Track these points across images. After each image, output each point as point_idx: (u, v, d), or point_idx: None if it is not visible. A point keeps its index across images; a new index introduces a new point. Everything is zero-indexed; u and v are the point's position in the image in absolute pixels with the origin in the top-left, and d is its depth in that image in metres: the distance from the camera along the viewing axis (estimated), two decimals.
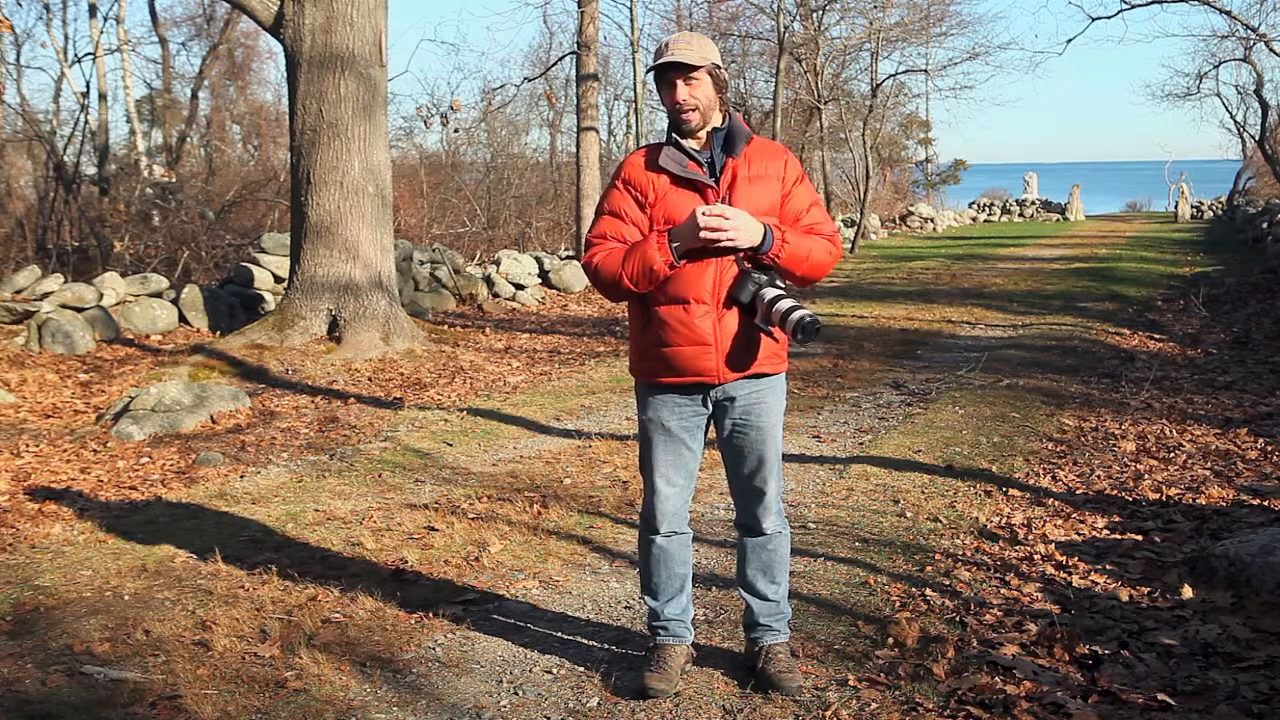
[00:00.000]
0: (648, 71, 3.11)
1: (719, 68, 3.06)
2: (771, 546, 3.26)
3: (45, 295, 9.65)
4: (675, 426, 3.15)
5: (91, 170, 18.46)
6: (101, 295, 9.89)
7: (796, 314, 2.88)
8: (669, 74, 3.02)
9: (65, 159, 17.12)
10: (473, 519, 4.89)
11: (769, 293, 2.95)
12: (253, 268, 11.42)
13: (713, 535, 4.64)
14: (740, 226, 2.94)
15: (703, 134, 3.09)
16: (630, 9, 19.87)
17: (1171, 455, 5.98)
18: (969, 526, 4.78)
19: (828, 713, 3.06)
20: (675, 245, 2.97)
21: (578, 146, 15.93)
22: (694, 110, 3.03)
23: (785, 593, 3.32)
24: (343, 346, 8.92)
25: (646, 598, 3.32)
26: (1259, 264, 16.46)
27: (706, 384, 3.09)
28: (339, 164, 9.07)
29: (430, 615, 3.77)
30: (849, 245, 22.13)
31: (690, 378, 3.08)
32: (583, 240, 15.40)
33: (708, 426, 3.21)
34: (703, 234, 2.92)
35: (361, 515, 4.98)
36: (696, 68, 3.01)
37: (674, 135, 3.09)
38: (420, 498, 5.29)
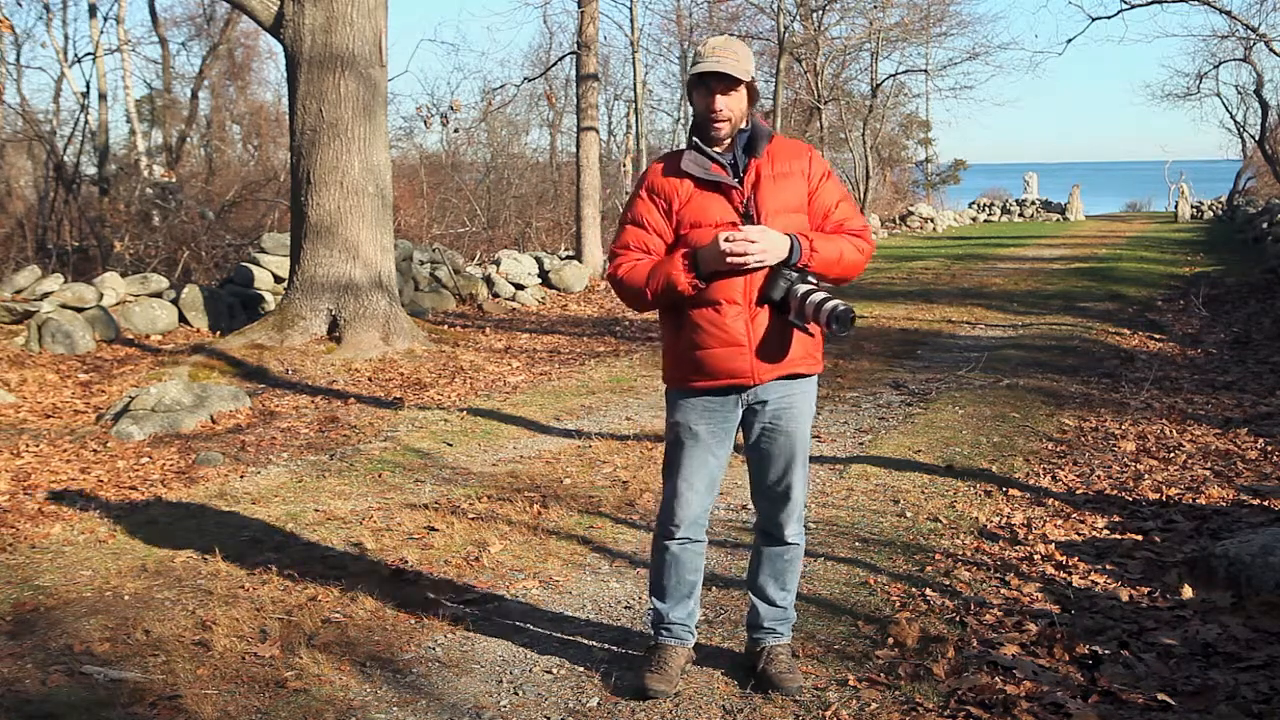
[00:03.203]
0: (690, 72, 3.08)
1: (755, 79, 3.06)
2: (789, 557, 3.25)
3: (45, 295, 9.65)
4: (704, 432, 3.12)
5: (91, 170, 18.45)
6: (101, 295, 9.89)
7: (830, 304, 2.87)
8: (709, 81, 3.00)
9: (65, 159, 17.11)
10: (473, 519, 4.89)
11: (801, 288, 2.94)
12: (253, 268, 11.42)
13: (713, 535, 4.62)
14: (766, 246, 2.92)
15: (727, 140, 3.08)
16: (630, 9, 19.87)
17: (1171, 455, 5.98)
18: (969, 526, 4.78)
19: (828, 713, 3.06)
20: (699, 268, 2.95)
21: (578, 146, 15.93)
22: (726, 121, 3.02)
23: (793, 599, 3.32)
24: (343, 346, 8.92)
25: (653, 599, 3.30)
26: (1259, 264, 16.46)
27: (740, 386, 3.07)
28: (339, 164, 9.06)
29: (430, 615, 3.77)
30: None
31: (724, 380, 3.05)
32: (583, 240, 15.45)
33: (736, 433, 3.19)
34: (729, 260, 2.91)
35: (361, 515, 4.98)
36: (740, 82, 3.00)
37: (695, 139, 3.08)
38: (420, 498, 5.29)
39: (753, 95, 3.06)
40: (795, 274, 2.97)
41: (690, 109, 3.19)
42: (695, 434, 3.12)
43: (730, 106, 3.01)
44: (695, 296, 3.01)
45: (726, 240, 2.91)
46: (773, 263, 2.96)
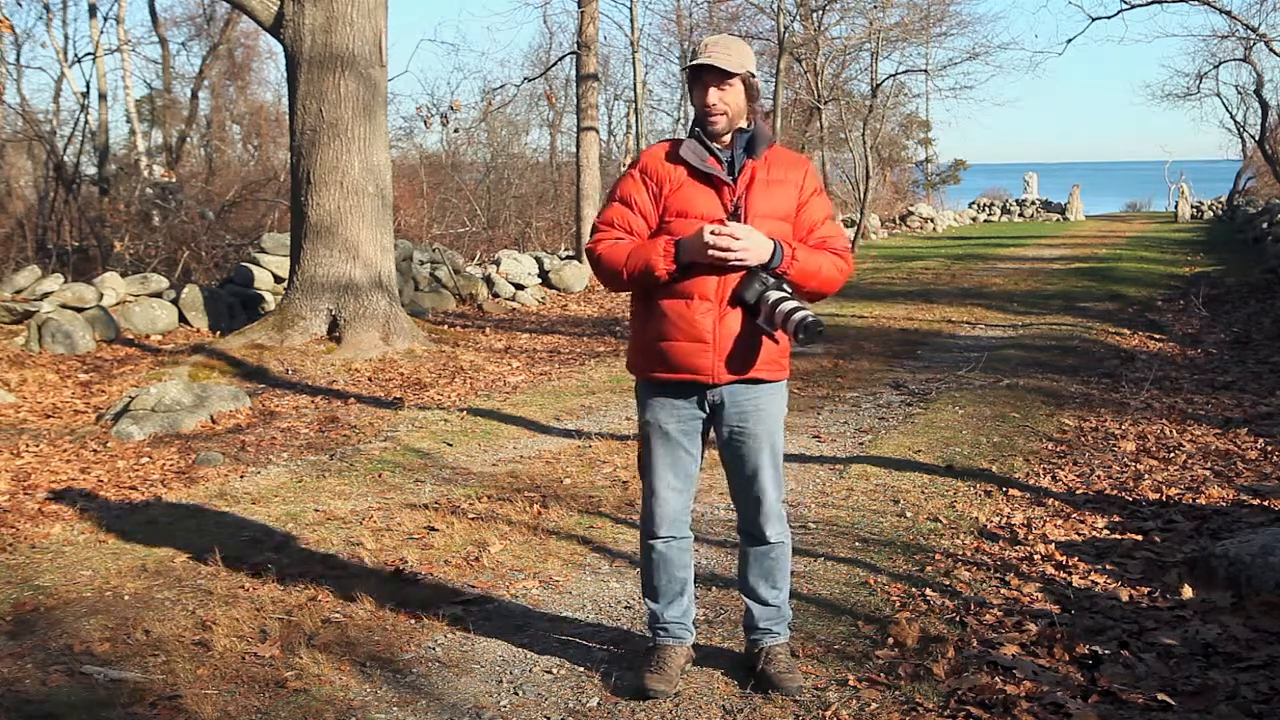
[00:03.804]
0: (684, 69, 3.12)
1: (754, 75, 3.07)
2: (774, 555, 3.25)
3: (45, 295, 9.65)
4: (673, 429, 3.14)
5: (91, 170, 18.44)
6: (101, 295, 9.89)
7: (799, 314, 2.88)
8: (703, 76, 3.02)
9: (65, 159, 17.10)
10: (473, 519, 4.89)
11: (773, 294, 2.95)
12: (253, 268, 11.42)
13: (713, 535, 4.64)
14: (750, 246, 2.94)
15: (726, 136, 3.09)
16: (630, 9, 19.87)
17: (1171, 455, 5.98)
18: (969, 526, 4.78)
19: (828, 713, 3.06)
20: (680, 257, 2.97)
21: (578, 146, 15.93)
22: (723, 115, 3.04)
23: (786, 597, 3.31)
24: (343, 346, 8.92)
25: (647, 600, 3.31)
26: (1259, 264, 16.46)
27: (701, 384, 3.08)
28: (339, 164, 9.06)
29: (430, 615, 3.77)
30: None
31: (685, 375, 3.07)
32: (583, 240, 15.44)
33: (707, 429, 3.20)
34: (711, 254, 2.93)
35: (361, 515, 4.98)
36: (732, 75, 3.01)
37: (698, 130, 3.10)
38: (420, 498, 5.29)
39: (751, 91, 3.07)
40: (772, 279, 2.98)
41: (689, 110, 3.20)
42: (665, 431, 3.14)
43: (725, 100, 3.03)
44: (668, 288, 3.03)
45: (712, 234, 2.92)
46: (753, 264, 2.97)
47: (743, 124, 3.09)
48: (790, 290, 3.01)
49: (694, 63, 3.03)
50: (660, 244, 3.01)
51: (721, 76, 3.01)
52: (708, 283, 3.00)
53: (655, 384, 3.14)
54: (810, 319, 2.86)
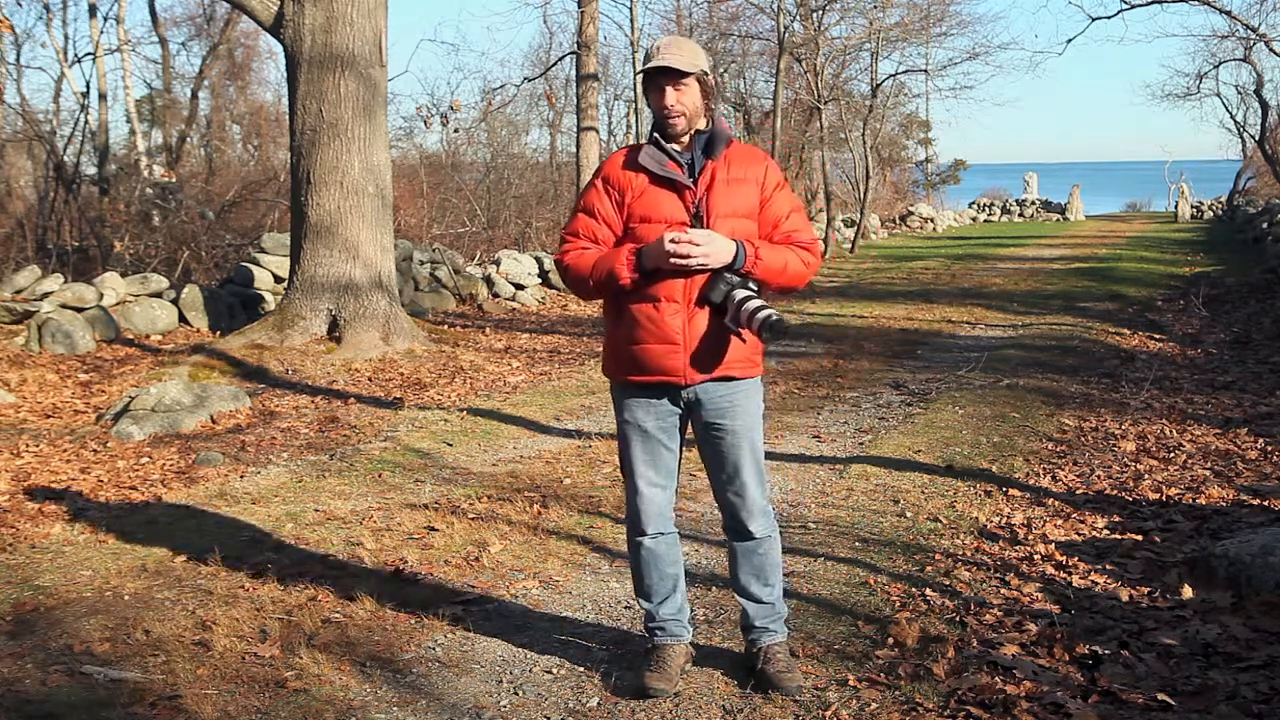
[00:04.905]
0: (637, 74, 3.14)
1: (707, 74, 3.08)
2: (762, 550, 3.25)
3: (45, 295, 9.65)
4: (651, 427, 3.16)
5: (91, 170, 18.42)
6: (101, 295, 9.89)
7: (763, 313, 2.91)
8: (658, 78, 3.05)
9: (65, 159, 17.08)
10: (473, 519, 4.89)
11: (739, 293, 2.98)
12: (253, 268, 11.43)
13: (713, 535, 4.64)
14: (711, 251, 2.97)
15: (685, 136, 3.11)
16: (630, 9, 19.86)
17: (1171, 455, 5.98)
18: (969, 526, 4.78)
19: (828, 713, 3.06)
20: (643, 264, 3.00)
21: (578, 146, 15.94)
22: (680, 116, 3.06)
23: (779, 593, 3.31)
24: (343, 346, 8.92)
25: (641, 600, 3.32)
26: (1259, 264, 16.46)
27: (674, 384, 3.10)
28: (339, 164, 9.06)
29: (430, 615, 3.78)
30: (849, 245, 22.12)
31: (657, 377, 3.09)
32: None
33: (684, 424, 3.22)
34: (672, 261, 2.95)
35: (361, 515, 4.98)
36: (686, 74, 3.03)
37: (656, 135, 3.12)
38: (420, 498, 5.29)
39: (706, 89, 3.09)
40: (737, 279, 3.00)
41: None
42: (644, 430, 3.17)
43: (682, 100, 3.05)
44: (636, 292, 3.05)
45: (672, 241, 2.94)
46: (716, 266, 2.99)
47: (701, 124, 3.11)
48: (757, 288, 3.03)
49: (647, 66, 3.05)
50: (623, 253, 3.04)
51: (676, 77, 3.02)
52: (675, 285, 3.03)
53: (630, 386, 3.16)
54: (774, 318, 2.89)
